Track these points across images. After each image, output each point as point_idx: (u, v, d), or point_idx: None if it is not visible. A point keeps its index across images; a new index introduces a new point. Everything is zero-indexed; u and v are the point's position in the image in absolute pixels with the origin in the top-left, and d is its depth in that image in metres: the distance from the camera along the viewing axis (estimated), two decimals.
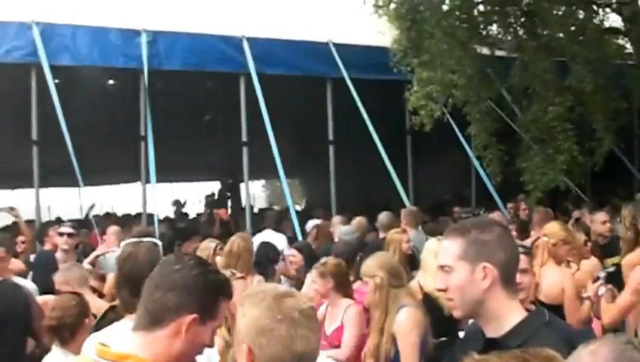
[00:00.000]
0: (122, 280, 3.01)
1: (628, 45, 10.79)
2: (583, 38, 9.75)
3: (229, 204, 18.92)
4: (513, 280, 2.36)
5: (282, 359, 1.91)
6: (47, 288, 5.71)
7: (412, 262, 6.44)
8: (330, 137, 11.05)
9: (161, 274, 2.21)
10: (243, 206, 14.35)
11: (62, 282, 5.54)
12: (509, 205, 10.93)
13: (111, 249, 7.39)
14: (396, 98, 11.26)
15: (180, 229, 10.98)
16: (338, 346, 4.99)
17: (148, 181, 9.79)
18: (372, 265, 4.61)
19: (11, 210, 9.24)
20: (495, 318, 2.26)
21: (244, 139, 10.36)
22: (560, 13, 10.11)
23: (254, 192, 23.66)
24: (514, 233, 7.02)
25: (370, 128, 10.14)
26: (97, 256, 7.56)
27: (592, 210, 8.78)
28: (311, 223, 9.58)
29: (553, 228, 5.86)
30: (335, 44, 10.80)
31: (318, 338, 1.99)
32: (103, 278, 6.32)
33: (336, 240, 7.91)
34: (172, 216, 17.01)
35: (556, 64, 9.79)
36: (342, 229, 8.18)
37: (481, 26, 10.44)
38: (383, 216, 8.33)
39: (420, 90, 9.72)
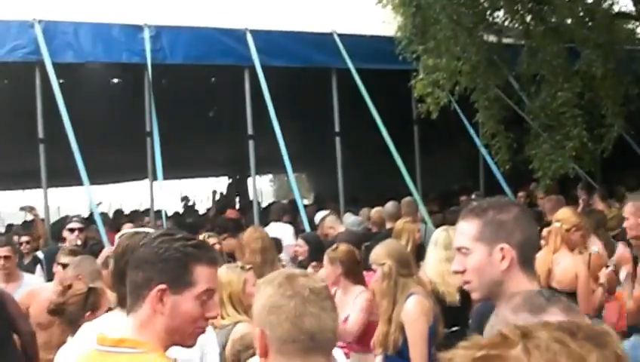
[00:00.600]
0: (119, 273, 2.87)
1: (639, 30, 10.66)
2: (592, 23, 9.62)
3: (237, 199, 18.92)
4: (532, 261, 2.32)
5: (292, 337, 1.87)
6: None
7: (420, 252, 6.39)
8: (337, 129, 10.96)
9: (133, 256, 2.22)
10: (251, 200, 14.31)
11: (73, 277, 5.51)
12: (520, 194, 10.84)
13: None
14: (402, 88, 11.16)
15: (188, 224, 10.95)
16: None
17: (155, 178, 9.75)
18: (381, 252, 4.56)
19: (31, 209, 9.36)
20: None
21: (250, 132, 10.30)
22: None
23: (262, 187, 23.66)
24: None
25: (377, 119, 10.06)
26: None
27: (603, 197, 8.70)
28: (320, 215, 9.51)
29: (565, 213, 5.79)
30: (339, 35, 10.72)
31: (332, 318, 1.94)
32: None
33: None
34: (180, 212, 17.03)
35: (565, 49, 9.67)
36: (350, 220, 8.12)
37: (488, 12, 10.32)
38: (390, 206, 8.28)
39: (425, 78, 9.62)
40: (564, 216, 5.69)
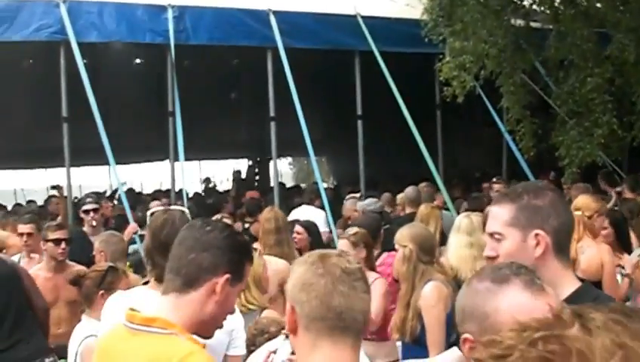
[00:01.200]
0: (158, 246, 2.93)
1: None
2: (624, 7, 9.39)
3: (257, 182, 18.95)
4: (567, 248, 2.25)
5: (320, 315, 1.86)
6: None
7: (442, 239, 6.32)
8: (359, 112, 10.88)
9: (194, 236, 2.24)
10: (271, 184, 14.31)
11: (97, 250, 5.53)
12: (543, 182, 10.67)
13: None
14: (425, 71, 11.05)
15: (208, 205, 10.95)
16: None
17: (176, 158, 9.74)
18: (405, 234, 4.50)
19: (58, 188, 9.44)
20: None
21: (272, 114, 10.25)
22: None
23: (281, 170, 23.63)
24: None
25: (400, 102, 9.96)
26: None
27: (632, 187, 8.53)
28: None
29: (585, 200, 5.66)
30: (363, 17, 10.59)
31: (363, 299, 1.90)
32: None
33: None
34: (201, 192, 17.07)
35: (595, 33, 9.46)
36: (365, 201, 8.08)
37: None
38: (410, 191, 8.22)
39: (452, 61, 9.47)
40: (584, 203, 5.57)
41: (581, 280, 2.30)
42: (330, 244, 7.54)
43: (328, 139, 16.20)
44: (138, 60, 13.53)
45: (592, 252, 5.22)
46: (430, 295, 4.23)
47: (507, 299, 1.76)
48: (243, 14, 10.27)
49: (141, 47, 10.66)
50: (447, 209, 9.05)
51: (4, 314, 4.82)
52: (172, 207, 3.29)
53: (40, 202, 12.66)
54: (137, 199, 12.27)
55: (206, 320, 2.18)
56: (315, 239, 6.64)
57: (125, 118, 13.06)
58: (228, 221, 6.37)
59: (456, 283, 4.66)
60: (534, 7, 10.28)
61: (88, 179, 18.26)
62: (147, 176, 22.54)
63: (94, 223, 7.38)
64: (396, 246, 4.54)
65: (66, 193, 9.54)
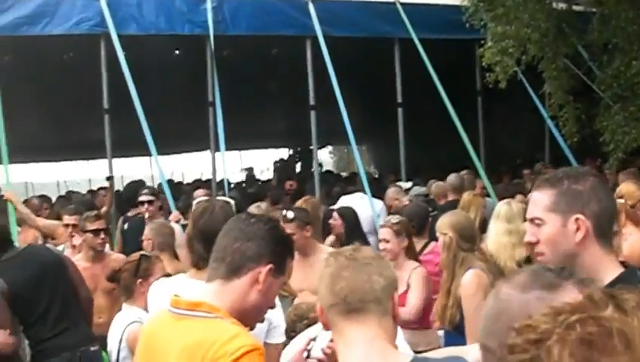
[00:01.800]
0: (197, 234, 3.05)
1: None
2: None
3: (298, 170, 18.97)
4: (609, 233, 2.21)
5: (330, 302, 1.96)
6: None
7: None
8: (399, 100, 10.81)
9: (239, 227, 2.33)
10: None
11: (145, 237, 5.60)
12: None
13: None
14: (466, 58, 10.94)
15: (250, 194, 11.00)
16: None
17: (217, 149, 9.80)
18: (445, 222, 4.49)
19: (110, 180, 9.56)
20: (590, 273, 2.09)
21: (312, 103, 10.24)
22: None
23: (322, 158, 23.66)
24: None
25: (440, 89, 9.88)
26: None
27: None
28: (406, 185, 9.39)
29: (628, 188, 5.53)
30: (402, 4, 10.51)
31: (374, 281, 1.95)
32: None
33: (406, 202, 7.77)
34: (242, 182, 17.16)
35: None
36: (414, 189, 8.04)
37: None
38: (453, 178, 8.15)
39: (494, 46, 9.35)
40: (627, 191, 5.44)
41: (625, 265, 2.26)
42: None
43: (368, 127, 16.12)
44: (177, 51, 13.62)
45: (634, 238, 5.10)
46: (470, 283, 4.21)
47: None
48: (282, 3, 10.30)
49: (180, 37, 10.72)
50: (489, 196, 8.97)
51: (51, 303, 4.92)
52: (217, 198, 3.38)
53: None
54: (178, 189, 12.38)
55: (249, 309, 2.22)
56: (350, 226, 6.64)
57: (165, 108, 13.17)
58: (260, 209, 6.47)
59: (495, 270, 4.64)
60: None
61: (130, 170, 18.54)
62: (188, 166, 22.75)
63: (147, 215, 7.49)
64: (437, 235, 4.54)
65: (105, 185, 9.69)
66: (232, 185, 13.60)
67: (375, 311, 1.93)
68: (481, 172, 9.67)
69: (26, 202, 8.97)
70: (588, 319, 0.95)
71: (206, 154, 12.15)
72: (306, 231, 5.00)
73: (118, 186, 11.28)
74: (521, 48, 9.26)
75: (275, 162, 20.13)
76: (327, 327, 2.01)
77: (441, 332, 4.73)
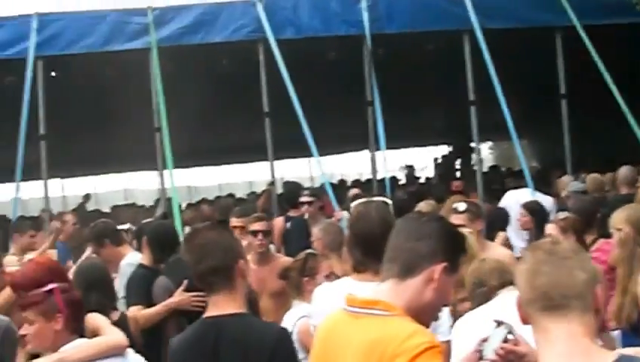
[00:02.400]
0: (354, 239, 3.07)
1: None
2: None
3: (458, 167, 18.70)
4: None
5: (530, 297, 1.94)
6: None
7: None
8: (562, 91, 10.36)
9: (410, 227, 2.32)
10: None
11: (316, 236, 5.71)
12: None
13: None
14: (634, 43, 10.27)
15: (412, 193, 10.96)
16: None
17: (377, 148, 9.83)
18: (620, 216, 4.29)
19: (273, 184, 9.96)
20: None
21: (471, 98, 10.03)
22: None
23: (482, 155, 23.11)
24: None
25: (607, 79, 9.35)
26: None
27: None
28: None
29: None
30: None
31: (576, 276, 1.91)
32: None
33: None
34: (403, 181, 17.14)
35: None
36: (571, 184, 7.74)
37: None
38: (625, 171, 7.76)
39: None
40: None
41: None
42: None
43: (528, 120, 15.55)
44: (333, 52, 13.79)
45: None
46: None
47: None
48: None
49: (335, 37, 10.86)
50: None
51: None
52: (375, 199, 3.40)
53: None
54: (340, 189, 12.53)
55: (424, 308, 2.22)
56: (539, 220, 6.47)
57: (323, 109, 13.37)
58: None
59: None
60: None
61: (289, 172, 19.05)
62: (346, 166, 23.00)
63: (306, 216, 7.65)
64: (611, 230, 4.35)
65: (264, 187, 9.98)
66: (393, 185, 13.59)
67: (577, 306, 1.89)
68: None
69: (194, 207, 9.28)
70: None
71: (364, 154, 12.21)
72: (477, 224, 4.97)
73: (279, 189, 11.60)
74: None
75: (435, 159, 19.93)
76: (525, 322, 1.98)
77: (616, 333, 4.48)
